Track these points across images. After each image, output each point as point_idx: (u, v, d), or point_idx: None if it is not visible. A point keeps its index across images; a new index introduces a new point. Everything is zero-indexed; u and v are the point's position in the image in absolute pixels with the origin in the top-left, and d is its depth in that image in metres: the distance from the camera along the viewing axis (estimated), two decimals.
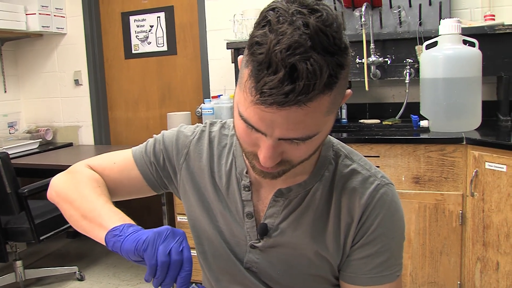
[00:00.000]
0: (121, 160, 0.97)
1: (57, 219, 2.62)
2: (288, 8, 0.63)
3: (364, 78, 2.44)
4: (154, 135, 0.99)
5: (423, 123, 2.28)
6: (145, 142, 0.99)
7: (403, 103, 2.51)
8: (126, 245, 0.70)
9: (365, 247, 0.82)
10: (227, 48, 2.69)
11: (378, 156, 2.12)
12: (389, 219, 0.82)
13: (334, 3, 2.62)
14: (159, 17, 3.29)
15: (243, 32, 2.67)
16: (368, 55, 2.43)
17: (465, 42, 2.14)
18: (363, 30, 2.40)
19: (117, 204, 0.86)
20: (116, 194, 0.96)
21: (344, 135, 2.39)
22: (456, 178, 2.02)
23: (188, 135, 0.95)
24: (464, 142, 1.98)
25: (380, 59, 2.44)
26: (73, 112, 3.53)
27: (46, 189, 0.95)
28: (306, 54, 0.59)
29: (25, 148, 3.16)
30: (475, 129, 2.16)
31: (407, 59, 2.41)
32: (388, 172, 2.08)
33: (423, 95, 2.25)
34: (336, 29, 0.63)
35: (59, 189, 0.91)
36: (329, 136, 0.84)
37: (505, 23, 2.20)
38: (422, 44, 2.27)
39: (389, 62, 2.45)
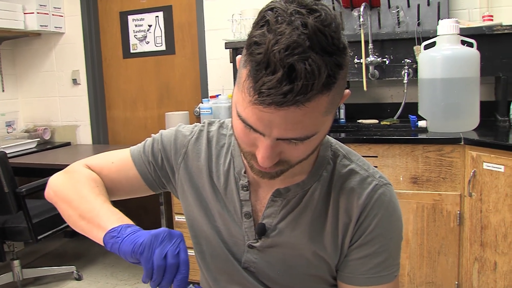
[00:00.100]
0: (119, 160, 0.97)
1: (55, 218, 2.62)
2: (287, 8, 0.62)
3: (362, 78, 2.44)
4: (152, 135, 0.99)
5: (421, 123, 2.28)
6: (143, 142, 0.98)
7: (401, 103, 2.51)
8: (124, 247, 0.71)
9: (363, 247, 0.82)
10: (226, 48, 2.68)
11: (376, 156, 2.13)
12: (387, 220, 0.82)
13: (333, 3, 2.62)
14: (158, 16, 3.28)
15: (242, 32, 2.66)
16: (367, 55, 2.43)
17: (463, 42, 2.14)
18: (362, 30, 2.40)
19: (115, 204, 0.85)
20: (114, 194, 0.96)
21: (342, 135, 2.39)
22: (454, 178, 2.02)
23: (186, 134, 0.95)
24: (462, 143, 1.98)
25: (378, 59, 2.44)
26: (71, 111, 3.52)
27: (44, 189, 0.95)
28: (305, 54, 0.59)
29: (23, 148, 3.16)
30: (473, 130, 2.16)
31: (406, 59, 2.42)
32: (386, 172, 2.09)
33: (421, 95, 2.25)
34: (334, 29, 0.63)
35: (57, 188, 0.91)
36: (327, 136, 0.84)
37: (503, 24, 2.21)
38: (420, 45, 2.27)
39: (387, 62, 2.45)
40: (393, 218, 0.83)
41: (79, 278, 2.90)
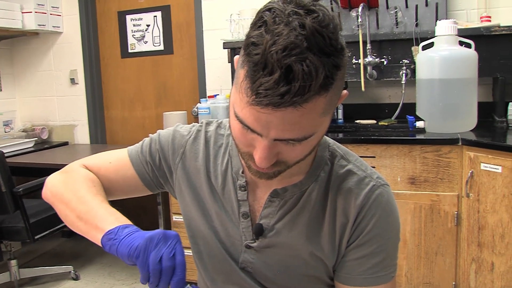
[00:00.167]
0: (116, 160, 0.96)
1: (52, 218, 2.61)
2: (285, 8, 0.62)
3: (360, 79, 2.44)
4: (150, 135, 0.99)
5: (419, 124, 2.28)
6: (141, 142, 0.98)
7: (399, 103, 2.51)
8: (121, 250, 0.71)
9: (360, 248, 0.82)
10: (224, 48, 2.68)
11: (374, 157, 2.13)
12: (384, 220, 0.82)
13: (331, 4, 2.62)
14: (156, 16, 3.28)
15: (240, 32, 2.66)
16: (365, 56, 2.43)
17: (461, 43, 2.15)
18: (360, 31, 2.40)
19: (113, 204, 0.85)
20: (112, 194, 0.96)
21: (340, 135, 2.39)
22: (451, 179, 2.02)
23: (184, 134, 0.95)
24: (460, 143, 1.99)
25: (376, 59, 2.44)
26: (69, 111, 3.52)
27: (41, 188, 0.94)
28: (302, 55, 0.59)
29: (20, 147, 3.15)
30: (470, 130, 2.16)
31: (404, 60, 2.42)
32: (383, 173, 2.09)
33: (419, 96, 2.25)
34: (332, 30, 0.63)
35: (55, 189, 0.91)
36: (325, 136, 0.84)
37: (501, 25, 2.21)
38: (418, 45, 2.27)
39: (385, 62, 2.45)
40: (391, 218, 0.83)
41: (76, 278, 2.89)
